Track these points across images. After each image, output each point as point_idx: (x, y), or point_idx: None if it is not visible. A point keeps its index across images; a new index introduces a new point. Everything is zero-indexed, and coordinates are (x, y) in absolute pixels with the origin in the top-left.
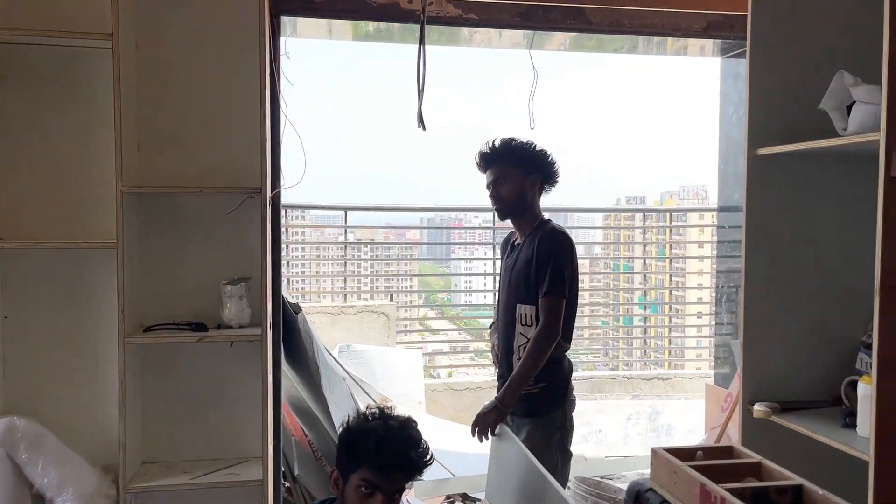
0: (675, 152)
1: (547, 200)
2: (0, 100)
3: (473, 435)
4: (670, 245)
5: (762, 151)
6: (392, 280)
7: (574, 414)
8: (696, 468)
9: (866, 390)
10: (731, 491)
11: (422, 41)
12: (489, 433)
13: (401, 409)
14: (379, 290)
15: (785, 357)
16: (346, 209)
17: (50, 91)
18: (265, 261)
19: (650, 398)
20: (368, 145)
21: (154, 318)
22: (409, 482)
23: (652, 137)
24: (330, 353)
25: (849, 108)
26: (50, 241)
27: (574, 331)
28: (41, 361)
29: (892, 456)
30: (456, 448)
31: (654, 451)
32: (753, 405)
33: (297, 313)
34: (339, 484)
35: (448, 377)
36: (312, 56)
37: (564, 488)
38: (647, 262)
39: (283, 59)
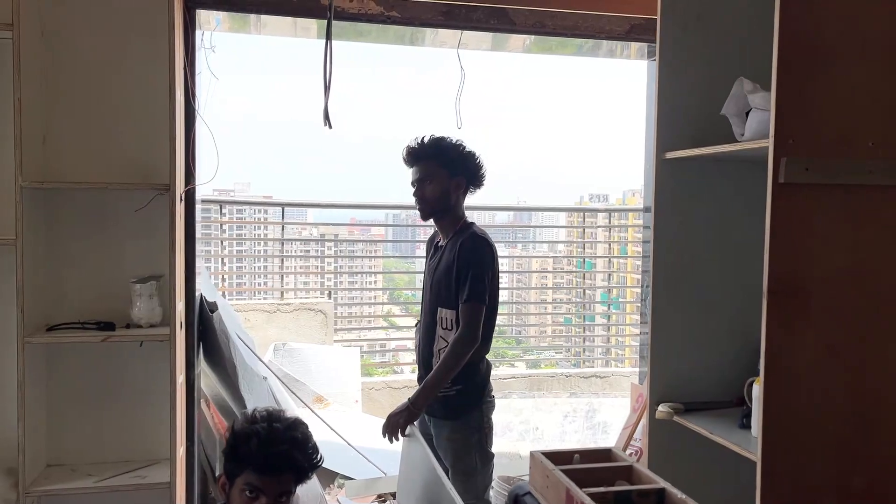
0: (640, 151)
1: (511, 199)
2: None
3: (384, 435)
4: (610, 244)
5: (669, 155)
6: (344, 276)
7: (511, 412)
8: (569, 472)
9: (758, 391)
10: (596, 494)
11: (328, 37)
12: (399, 434)
13: (337, 408)
14: (320, 287)
15: (692, 357)
16: (283, 205)
17: None
18: (174, 259)
19: (587, 396)
20: (339, 142)
21: (62, 317)
22: (298, 484)
23: (618, 135)
24: (254, 352)
25: (748, 114)
26: None
27: (494, 333)
28: None
29: (777, 455)
30: (390, 447)
31: (532, 454)
32: (658, 405)
33: (212, 312)
34: (225, 488)
35: (412, 373)
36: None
37: (487, 489)
38: (608, 260)
39: (209, 52)
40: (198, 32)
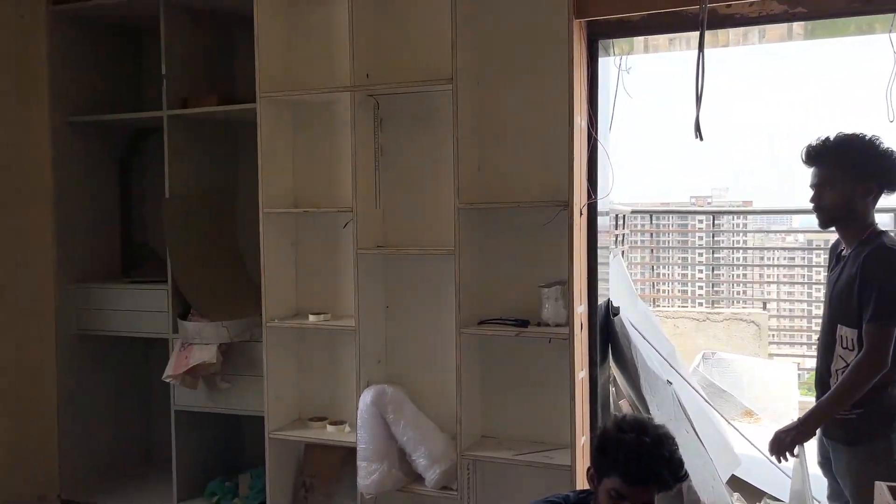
0: None
1: None
2: (383, 139)
3: (771, 453)
4: None
5: None
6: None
7: None
8: None
9: None
10: None
11: (700, 48)
12: (786, 454)
13: (767, 424)
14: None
15: None
16: (713, 213)
17: (416, 126)
18: (571, 266)
19: None
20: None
21: (489, 313)
22: (661, 492)
23: None
24: (663, 357)
25: None
26: (409, 248)
27: None
28: (411, 342)
29: None
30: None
31: (876, 483)
32: None
33: (614, 316)
34: (594, 481)
35: None
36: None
37: None
38: None
39: (623, 74)
40: (612, 59)
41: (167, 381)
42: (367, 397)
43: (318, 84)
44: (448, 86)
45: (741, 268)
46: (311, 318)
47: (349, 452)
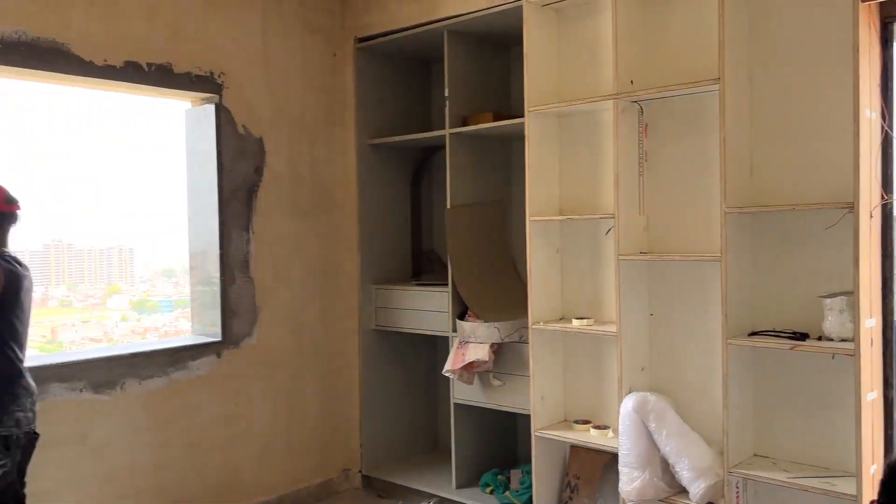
0: None
1: None
2: (648, 144)
3: None
4: None
5: None
6: None
7: None
8: None
9: None
10: None
11: None
12: None
13: None
14: None
15: None
16: None
17: (681, 129)
18: (858, 275)
19: None
20: None
21: (763, 324)
22: None
23: None
24: None
25: None
26: (672, 254)
27: None
28: (676, 351)
29: None
30: None
31: None
32: None
33: None
34: None
35: None
36: None
37: None
38: None
39: None
40: None
41: (446, 375)
42: (628, 404)
43: (582, 94)
44: (715, 86)
45: None
46: (575, 322)
47: (613, 457)
